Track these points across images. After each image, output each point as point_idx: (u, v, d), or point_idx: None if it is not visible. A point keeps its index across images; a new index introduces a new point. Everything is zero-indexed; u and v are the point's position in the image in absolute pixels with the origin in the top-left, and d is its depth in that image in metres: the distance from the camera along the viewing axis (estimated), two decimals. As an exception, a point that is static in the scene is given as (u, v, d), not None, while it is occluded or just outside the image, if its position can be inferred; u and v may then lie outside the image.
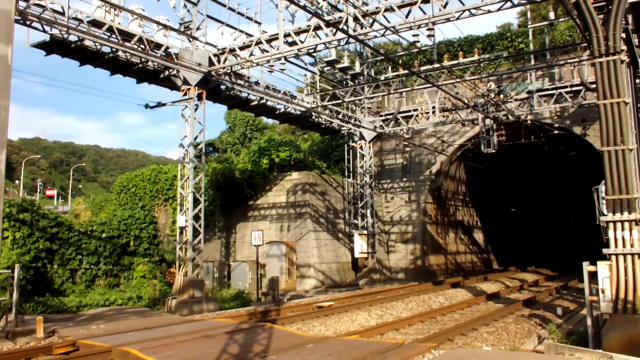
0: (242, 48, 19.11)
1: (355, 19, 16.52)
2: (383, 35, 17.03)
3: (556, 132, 27.98)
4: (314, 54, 20.75)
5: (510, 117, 24.99)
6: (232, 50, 19.25)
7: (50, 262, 19.00)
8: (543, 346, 9.95)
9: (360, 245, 28.37)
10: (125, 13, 17.40)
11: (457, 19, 15.54)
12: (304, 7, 13.81)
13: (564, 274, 33.42)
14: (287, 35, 17.93)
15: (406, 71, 25.36)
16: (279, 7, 18.54)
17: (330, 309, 17.39)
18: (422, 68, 24.30)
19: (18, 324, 12.91)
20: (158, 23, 18.33)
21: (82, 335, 12.27)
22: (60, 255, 19.15)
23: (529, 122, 26.07)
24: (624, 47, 10.88)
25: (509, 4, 14.62)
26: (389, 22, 16.46)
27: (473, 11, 15.17)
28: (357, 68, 24.19)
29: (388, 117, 29.10)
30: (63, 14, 15.57)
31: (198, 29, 19.32)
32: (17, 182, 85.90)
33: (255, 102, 22.71)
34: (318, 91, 25.59)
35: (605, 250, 10.14)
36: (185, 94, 18.95)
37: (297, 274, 26.69)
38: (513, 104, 25.36)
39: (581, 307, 17.11)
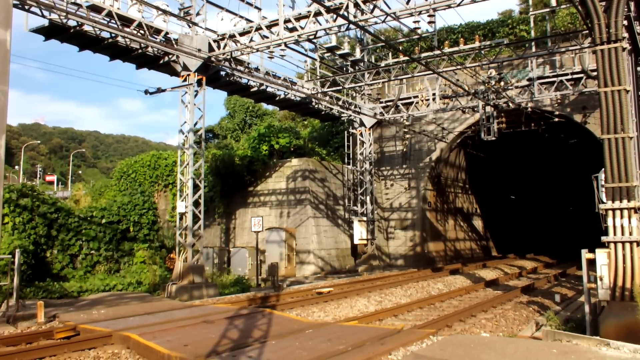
0: (242, 34, 19.01)
1: (356, 4, 16.41)
2: (384, 21, 16.93)
3: (556, 119, 27.94)
4: (314, 40, 20.62)
5: (510, 104, 24.92)
6: (232, 36, 19.14)
7: (50, 248, 19.03)
8: (541, 333, 10.02)
9: (359, 231, 28.45)
10: (124, -2, 17.28)
11: (458, 5, 15.46)
12: (304, -7, 13.72)
13: (562, 262, 33.54)
14: (287, 21, 17.83)
15: (406, 58, 25.26)
16: (279, -8, 18.41)
17: (329, 295, 17.47)
18: (423, 55, 24.19)
19: (19, 308, 12.98)
20: (157, 8, 18.20)
21: (82, 320, 12.33)
22: (60, 240, 19.18)
23: (529, 109, 26.02)
24: (626, 35, 10.83)
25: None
26: (389, 8, 16.35)
27: (474, -3, 15.08)
28: (358, 54, 24.08)
29: (388, 103, 29.04)
30: (62, -2, 15.47)
31: (198, 14, 19.20)
32: (16, 167, 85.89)
33: (255, 88, 22.64)
34: (318, 77, 25.50)
35: (604, 238, 10.18)
36: (184, 80, 18.88)
37: (297, 260, 26.78)
38: (513, 91, 25.29)
39: (579, 294, 17.22)
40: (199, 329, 11.11)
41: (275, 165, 30.09)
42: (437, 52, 22.99)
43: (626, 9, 10.73)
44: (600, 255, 10.10)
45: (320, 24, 17.41)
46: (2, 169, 3.92)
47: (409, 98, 28.00)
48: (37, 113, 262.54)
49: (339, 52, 21.52)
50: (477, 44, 22.95)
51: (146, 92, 20.57)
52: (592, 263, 10.36)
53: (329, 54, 24.49)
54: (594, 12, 10.55)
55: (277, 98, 24.32)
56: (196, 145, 19.08)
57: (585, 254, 10.52)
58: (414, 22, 16.53)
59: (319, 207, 28.66)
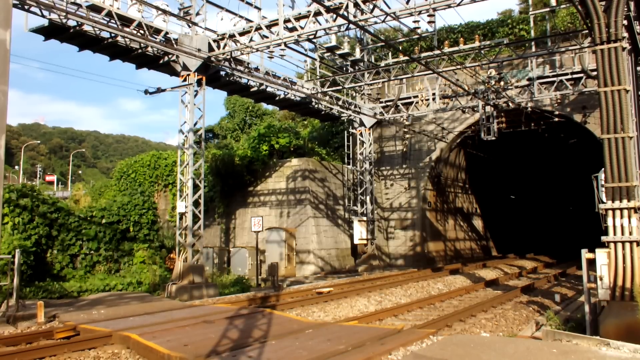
0: (242, 34, 19.01)
1: (356, 4, 16.41)
2: (383, 21, 16.92)
3: (556, 119, 27.94)
4: (314, 40, 20.63)
5: (510, 104, 24.93)
6: (231, 36, 19.14)
7: (50, 248, 19.03)
8: (541, 332, 10.02)
9: (359, 231, 28.44)
10: (124, -2, 17.27)
11: (458, 4, 15.45)
12: (304, -7, 13.72)
13: (562, 261, 33.53)
14: (287, 21, 17.82)
15: (406, 58, 25.27)
16: (279, -8, 18.41)
17: (329, 295, 17.46)
18: (423, 54, 24.20)
19: (19, 308, 12.98)
20: (157, 8, 18.20)
21: (82, 320, 12.33)
22: (60, 240, 19.18)
23: (529, 109, 26.03)
24: (626, 35, 10.83)
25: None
26: (389, 7, 16.35)
27: (474, -3, 15.07)
28: (357, 54, 24.08)
29: (388, 103, 29.04)
30: (61, -2, 15.46)
31: (197, 14, 19.19)
32: (16, 167, 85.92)
33: (255, 88, 22.64)
34: (318, 77, 25.49)
35: (604, 238, 10.17)
36: (184, 80, 18.87)
37: (297, 260, 26.78)
38: (513, 91, 25.30)
39: (579, 294, 17.21)
40: (199, 329, 11.10)
41: (275, 165, 30.09)
42: (437, 52, 23.00)
43: (626, 9, 10.72)
44: (600, 255, 10.10)
45: (320, 24, 17.40)
46: (2, 169, 3.91)
47: (409, 98, 28.00)
48: (37, 113, 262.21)
49: (338, 52, 21.51)
50: (477, 43, 22.94)
51: (146, 92, 20.57)
52: (592, 263, 10.36)
53: (328, 54, 24.49)
54: (594, 12, 10.55)
55: (277, 98, 24.31)
56: (196, 145, 19.07)
57: (585, 254, 10.51)
58: (414, 22, 16.52)
59: (319, 207, 28.66)
